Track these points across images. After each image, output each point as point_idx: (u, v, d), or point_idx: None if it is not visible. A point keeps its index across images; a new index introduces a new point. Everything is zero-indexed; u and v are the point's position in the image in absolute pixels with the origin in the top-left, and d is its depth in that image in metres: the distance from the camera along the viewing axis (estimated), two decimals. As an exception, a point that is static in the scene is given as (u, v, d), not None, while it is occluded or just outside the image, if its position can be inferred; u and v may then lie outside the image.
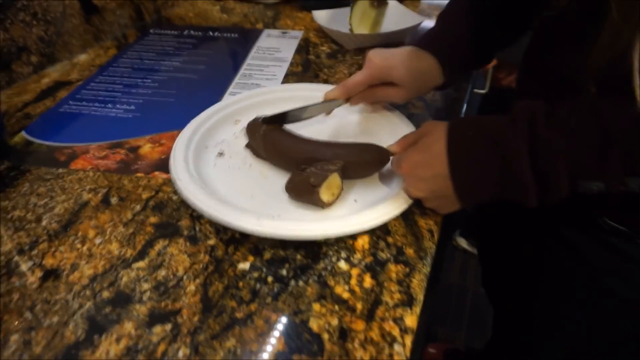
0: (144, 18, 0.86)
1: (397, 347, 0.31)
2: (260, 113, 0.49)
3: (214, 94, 0.62)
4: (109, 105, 0.60)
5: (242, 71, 0.69)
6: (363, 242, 0.39)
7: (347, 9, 0.79)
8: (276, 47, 0.77)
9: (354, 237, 0.40)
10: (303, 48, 0.77)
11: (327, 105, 0.50)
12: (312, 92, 0.56)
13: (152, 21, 0.87)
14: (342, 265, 0.37)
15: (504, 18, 0.49)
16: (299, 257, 0.38)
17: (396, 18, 0.80)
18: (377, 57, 0.48)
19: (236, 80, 0.66)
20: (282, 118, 0.47)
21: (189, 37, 0.81)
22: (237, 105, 0.56)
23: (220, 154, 0.50)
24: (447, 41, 0.48)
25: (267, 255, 0.38)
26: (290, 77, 0.68)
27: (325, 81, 0.66)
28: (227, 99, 0.59)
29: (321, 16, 0.81)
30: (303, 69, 0.70)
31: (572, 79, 0.36)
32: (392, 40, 0.75)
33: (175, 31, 0.83)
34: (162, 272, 0.36)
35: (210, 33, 0.82)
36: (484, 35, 0.49)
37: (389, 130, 0.52)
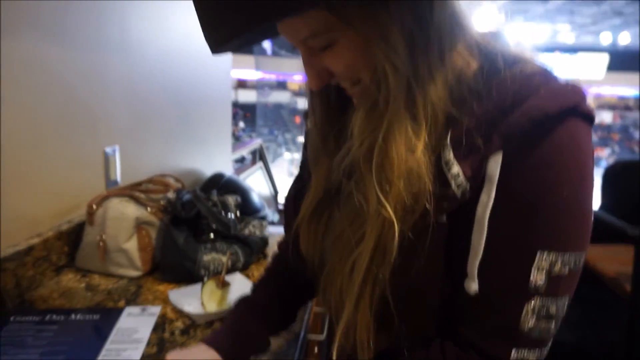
0: (5, 304, 0.93)
1: None
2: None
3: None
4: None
5: (99, 358, 0.78)
6: None
7: (199, 286, 0.97)
8: (134, 327, 0.88)
9: None
10: (160, 326, 0.90)
11: None
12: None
13: (14, 306, 0.94)
14: None
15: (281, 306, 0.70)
16: None
17: (241, 291, 1.00)
18: (171, 357, 0.61)
19: (93, 369, 0.75)
20: None
21: (51, 322, 0.89)
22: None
23: None
24: (230, 338, 0.64)
25: None
26: (146, 358, 0.78)
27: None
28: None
29: (175, 295, 0.97)
30: (158, 349, 0.82)
31: None
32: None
33: (37, 317, 0.90)
34: None
35: (73, 316, 0.91)
36: (269, 320, 0.68)
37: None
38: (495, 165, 0.43)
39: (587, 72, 20.12)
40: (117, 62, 1.33)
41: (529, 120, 0.42)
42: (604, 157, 20.26)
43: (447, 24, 0.46)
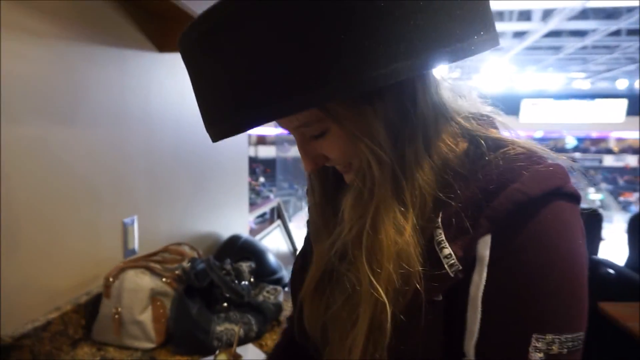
0: (21, 381, 0.94)
1: None
2: None
3: None
4: None
5: None
6: None
7: (210, 359, 0.97)
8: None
9: None
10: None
11: None
12: None
13: (29, 382, 0.95)
14: None
15: None
16: None
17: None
18: None
19: None
20: None
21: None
22: None
23: None
24: None
25: None
26: None
27: None
28: None
29: (188, 370, 0.97)
30: None
31: None
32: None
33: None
34: None
35: (85, 393, 0.92)
36: None
37: None
38: (484, 246, 0.44)
39: (606, 117, 20.04)
40: (137, 134, 1.41)
41: (514, 204, 0.43)
42: (633, 202, 19.65)
43: (432, 115, 0.49)
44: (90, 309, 1.16)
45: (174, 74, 1.59)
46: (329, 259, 0.58)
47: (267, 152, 20.55)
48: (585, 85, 18.59)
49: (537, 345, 0.43)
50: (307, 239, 0.69)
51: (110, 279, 1.12)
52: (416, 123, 0.47)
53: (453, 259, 0.45)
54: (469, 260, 0.45)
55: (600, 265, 1.81)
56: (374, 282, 0.46)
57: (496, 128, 0.54)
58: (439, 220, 0.47)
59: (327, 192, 0.60)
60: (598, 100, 19.96)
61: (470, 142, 0.51)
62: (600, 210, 2.68)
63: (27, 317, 1.00)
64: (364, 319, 0.47)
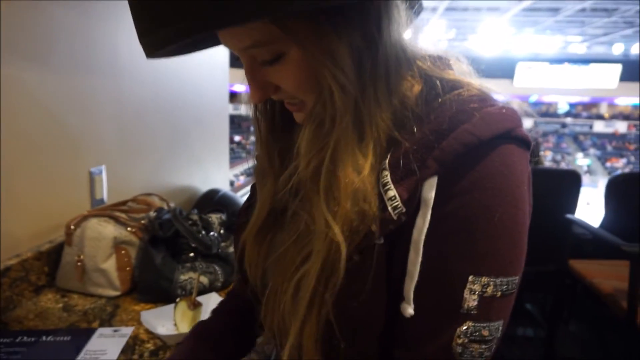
0: (-21, 325, 0.94)
1: None
2: None
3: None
4: None
5: (63, 381, 0.77)
6: None
7: (172, 307, 0.97)
8: (103, 348, 0.88)
9: None
10: (130, 347, 0.89)
11: None
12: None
13: (-12, 327, 0.95)
14: None
15: None
16: None
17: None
18: None
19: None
20: None
21: (21, 344, 0.89)
22: None
23: None
24: None
25: None
26: (109, 382, 0.77)
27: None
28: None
29: (148, 317, 0.96)
30: (123, 372, 0.81)
31: None
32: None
33: (8, 339, 0.90)
34: None
35: (44, 338, 0.91)
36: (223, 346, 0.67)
37: None
38: (430, 189, 0.43)
39: (600, 83, 19.96)
40: (106, 85, 1.35)
41: (463, 146, 0.42)
42: (619, 168, 19.94)
43: (394, 50, 0.46)
44: (53, 257, 1.15)
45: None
46: (274, 200, 0.56)
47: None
48: (581, 49, 18.39)
49: (473, 287, 0.43)
50: (254, 187, 0.66)
51: (72, 227, 1.10)
52: (379, 53, 0.45)
53: (397, 201, 0.44)
54: (413, 204, 0.44)
55: (575, 225, 1.83)
56: (330, 220, 0.44)
57: (452, 69, 0.52)
58: (386, 162, 0.46)
59: (273, 129, 0.57)
60: (593, 65, 19.79)
61: (425, 83, 0.49)
62: (581, 172, 2.69)
63: (-15, 263, 0.98)
64: (316, 258, 0.46)
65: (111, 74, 1.38)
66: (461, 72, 0.52)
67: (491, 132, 0.42)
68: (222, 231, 1.31)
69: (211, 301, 1.03)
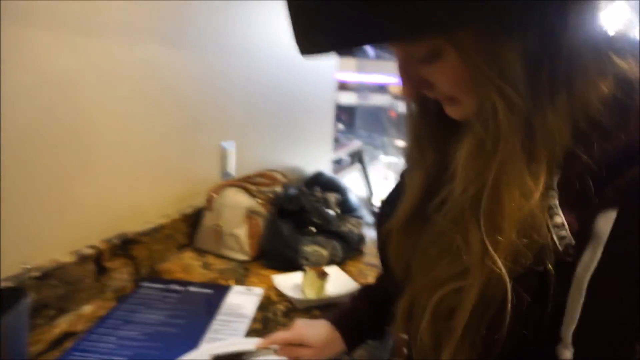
0: (140, 272, 1.09)
1: None
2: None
3: (191, 347, 0.79)
4: (105, 358, 0.76)
5: (213, 326, 0.89)
6: None
7: (300, 274, 1.05)
8: (240, 303, 0.98)
9: None
10: (264, 305, 0.99)
11: (263, 352, 0.73)
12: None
13: (146, 274, 1.10)
14: None
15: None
16: None
17: (338, 282, 1.06)
18: (299, 324, 0.72)
19: (208, 334, 0.85)
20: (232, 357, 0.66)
21: (173, 291, 1.02)
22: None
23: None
24: (350, 322, 0.71)
25: None
26: (252, 333, 0.87)
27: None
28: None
29: (279, 281, 1.06)
30: (262, 325, 0.90)
31: None
32: (332, 302, 0.99)
33: (162, 285, 1.04)
34: None
35: (191, 288, 1.04)
36: (379, 318, 0.72)
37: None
38: (605, 223, 0.37)
39: None
40: (237, 65, 1.47)
41: None
42: None
43: (584, 44, 0.38)
44: (193, 220, 1.29)
45: (277, 12, 1.61)
46: (423, 197, 0.51)
47: (347, 99, 20.32)
48: None
49: None
50: (403, 173, 0.62)
51: (213, 195, 1.23)
52: (563, 57, 0.37)
53: (565, 231, 0.38)
54: (583, 237, 0.38)
55: None
56: (491, 251, 0.39)
57: None
58: (556, 182, 0.39)
59: (428, 125, 0.51)
60: None
61: (617, 86, 0.40)
62: None
63: (143, 219, 1.13)
64: (472, 289, 0.40)
65: (242, 55, 1.49)
66: None
67: None
68: (338, 210, 1.38)
69: (333, 273, 1.09)
